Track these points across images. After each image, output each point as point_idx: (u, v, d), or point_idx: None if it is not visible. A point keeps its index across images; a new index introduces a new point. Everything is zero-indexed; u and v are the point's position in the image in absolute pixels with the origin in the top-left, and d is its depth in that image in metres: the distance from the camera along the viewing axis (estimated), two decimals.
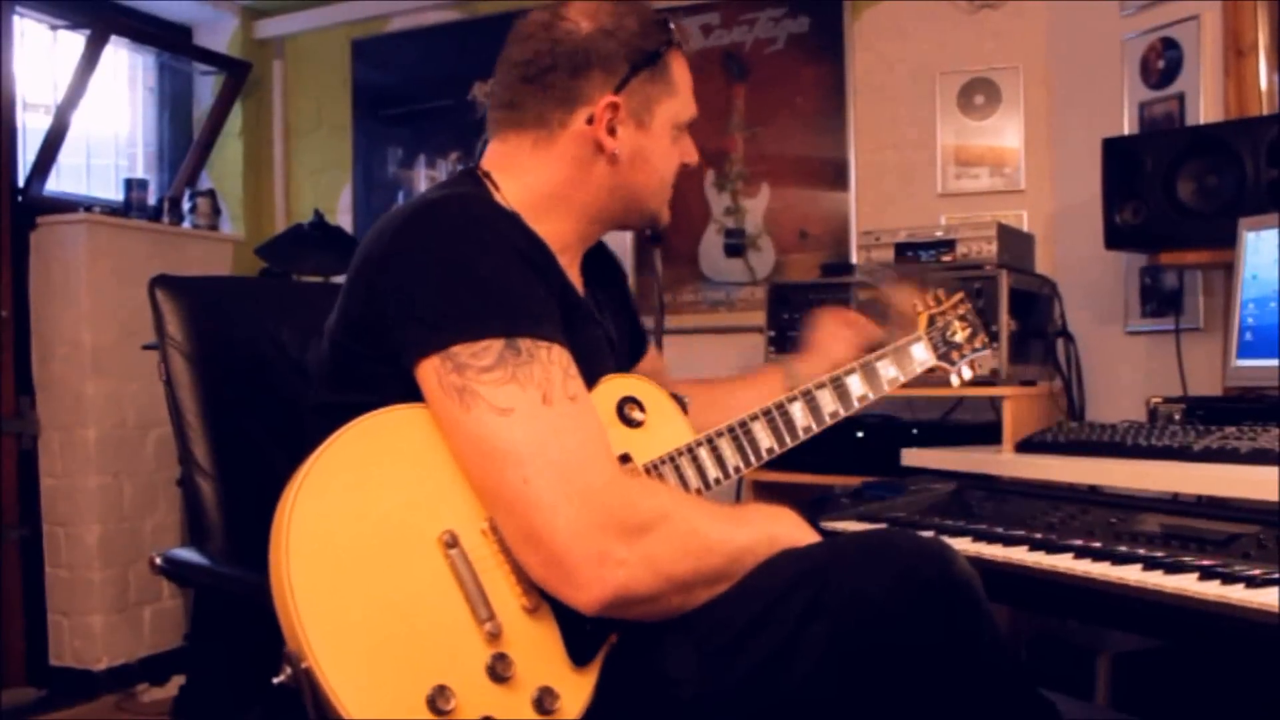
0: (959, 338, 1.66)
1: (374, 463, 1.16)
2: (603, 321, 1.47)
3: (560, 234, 1.40)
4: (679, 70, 1.45)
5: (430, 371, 1.18)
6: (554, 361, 1.20)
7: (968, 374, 1.68)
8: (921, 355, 1.63)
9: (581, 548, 1.12)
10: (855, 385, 1.54)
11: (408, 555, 1.13)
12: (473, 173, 1.43)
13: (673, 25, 1.45)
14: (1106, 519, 1.60)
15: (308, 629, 1.05)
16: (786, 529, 1.29)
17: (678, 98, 1.45)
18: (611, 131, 1.39)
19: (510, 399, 1.16)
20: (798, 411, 1.49)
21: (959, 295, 1.69)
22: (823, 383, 1.52)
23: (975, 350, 1.68)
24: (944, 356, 1.65)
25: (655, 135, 1.43)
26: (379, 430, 1.18)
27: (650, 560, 1.15)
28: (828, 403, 1.51)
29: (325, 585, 1.08)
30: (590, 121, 1.38)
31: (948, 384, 1.70)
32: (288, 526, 1.09)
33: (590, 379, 1.28)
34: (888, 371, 1.58)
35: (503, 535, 1.17)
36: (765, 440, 1.46)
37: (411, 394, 1.21)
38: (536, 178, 1.41)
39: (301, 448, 1.17)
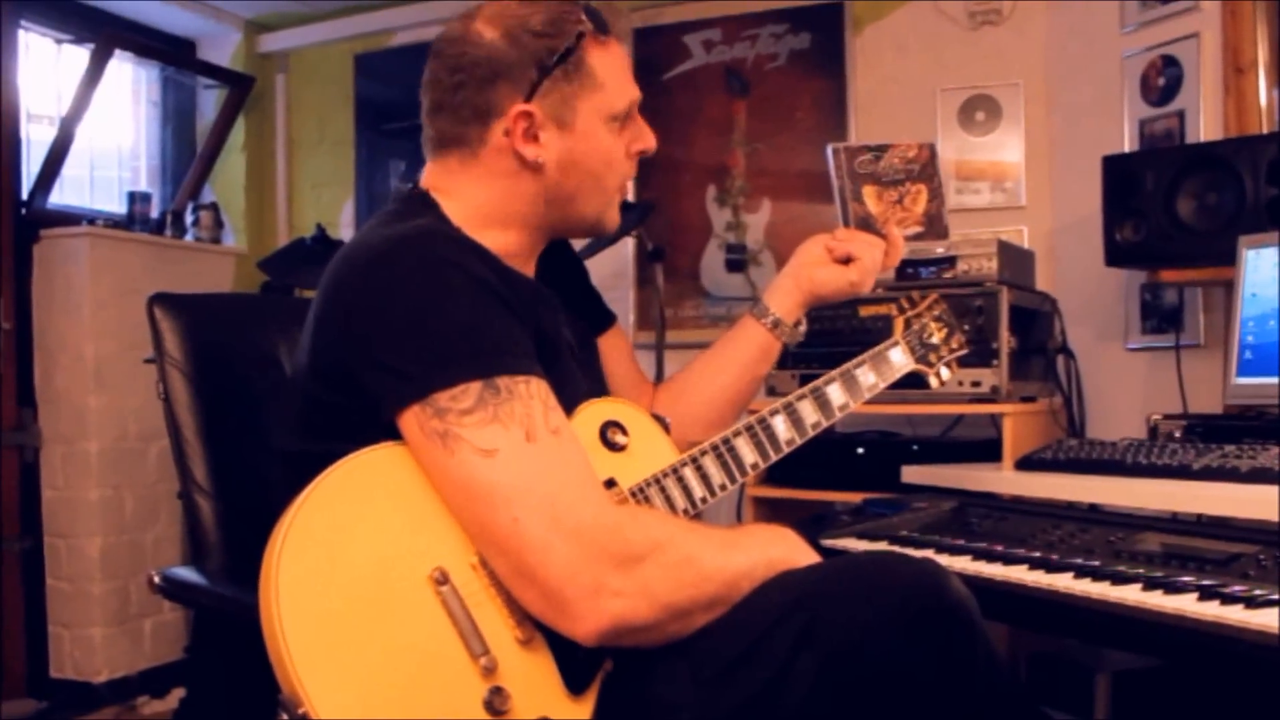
0: (936, 339, 1.66)
1: (358, 505, 1.15)
2: (568, 331, 1.45)
3: (505, 245, 1.38)
4: (600, 60, 1.36)
5: (411, 420, 1.17)
6: (533, 395, 1.19)
7: (946, 375, 1.68)
8: (900, 360, 1.62)
9: (577, 581, 1.12)
10: (836, 395, 1.54)
11: (398, 595, 1.13)
12: (418, 195, 1.40)
13: (585, 15, 1.35)
14: (1106, 538, 1.59)
15: (302, 675, 1.05)
16: (784, 551, 1.28)
17: (603, 90, 1.36)
18: (534, 139, 1.34)
19: (494, 439, 1.15)
20: (780, 425, 1.49)
21: (933, 296, 1.69)
22: (803, 394, 1.51)
23: (953, 351, 1.68)
24: (922, 359, 1.65)
25: (582, 135, 1.36)
26: (360, 472, 1.17)
27: (646, 589, 1.15)
28: (809, 414, 1.51)
29: (318, 631, 1.08)
30: (507, 134, 1.34)
31: (948, 398, 1.71)
32: (276, 575, 1.08)
33: (566, 400, 1.27)
34: (867, 379, 1.57)
35: (496, 572, 1.17)
36: (749, 456, 1.46)
37: (391, 440, 1.20)
38: (472, 195, 1.38)
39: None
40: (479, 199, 1.38)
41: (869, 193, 1.65)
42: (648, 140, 1.45)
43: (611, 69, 1.37)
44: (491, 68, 1.33)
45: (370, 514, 1.16)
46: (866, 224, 1.65)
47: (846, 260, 1.61)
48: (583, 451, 1.23)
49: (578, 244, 1.72)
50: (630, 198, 3.43)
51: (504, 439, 1.15)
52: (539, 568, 1.13)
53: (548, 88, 1.33)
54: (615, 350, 1.64)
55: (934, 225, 1.68)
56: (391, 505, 1.17)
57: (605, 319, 1.65)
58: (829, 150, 1.66)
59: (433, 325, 1.19)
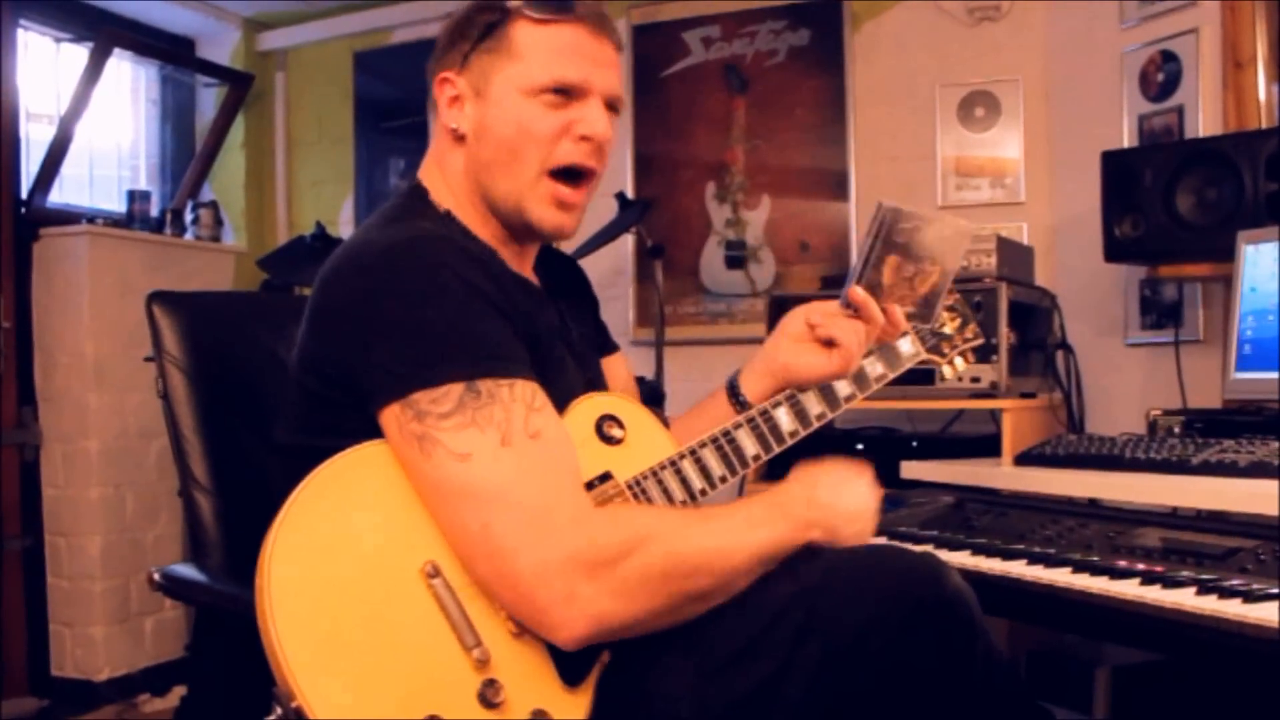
0: (948, 329, 1.61)
1: (350, 500, 1.16)
2: (566, 329, 1.45)
3: (487, 232, 1.39)
4: (528, 36, 1.36)
5: (391, 419, 1.18)
6: (516, 399, 1.19)
7: (961, 365, 1.63)
8: (909, 350, 1.58)
9: (548, 590, 1.12)
10: (841, 386, 1.50)
11: (391, 589, 1.13)
12: (413, 189, 1.42)
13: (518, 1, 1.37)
14: (1105, 532, 1.60)
15: (295, 669, 1.05)
16: (783, 531, 1.25)
17: (520, 62, 1.35)
18: (460, 108, 1.38)
19: (469, 444, 1.15)
20: (783, 416, 1.46)
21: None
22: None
23: (968, 341, 1.63)
24: (934, 349, 1.60)
25: (495, 102, 1.36)
26: (353, 468, 1.18)
27: (623, 591, 1.14)
28: (814, 405, 1.48)
29: (311, 625, 1.08)
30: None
31: (948, 394, 1.67)
32: (269, 569, 1.09)
33: (561, 394, 1.27)
34: (875, 369, 1.54)
35: (475, 578, 1.16)
36: (751, 448, 1.43)
37: (380, 436, 1.21)
38: (441, 171, 1.42)
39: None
40: (445, 178, 1.41)
41: (890, 262, 1.50)
42: (590, 125, 1.36)
43: (539, 45, 1.36)
44: (445, 39, 1.43)
45: (363, 508, 1.17)
46: (874, 292, 1.49)
47: (830, 341, 1.47)
48: (564, 455, 1.22)
49: (570, 246, 1.71)
50: (630, 194, 3.43)
51: (479, 443, 1.15)
52: (510, 574, 1.13)
53: (474, 60, 1.38)
54: (613, 379, 1.63)
55: (924, 309, 1.55)
56: (384, 499, 1.18)
57: (608, 347, 1.65)
58: (879, 206, 1.48)
59: (421, 325, 1.19)
